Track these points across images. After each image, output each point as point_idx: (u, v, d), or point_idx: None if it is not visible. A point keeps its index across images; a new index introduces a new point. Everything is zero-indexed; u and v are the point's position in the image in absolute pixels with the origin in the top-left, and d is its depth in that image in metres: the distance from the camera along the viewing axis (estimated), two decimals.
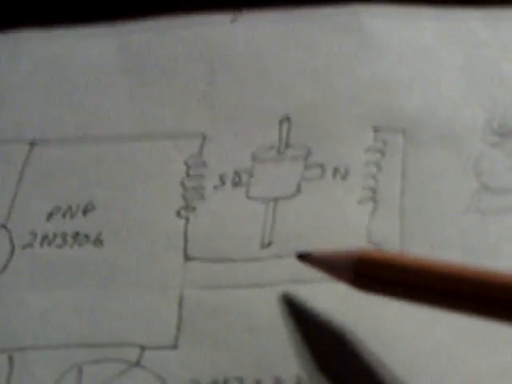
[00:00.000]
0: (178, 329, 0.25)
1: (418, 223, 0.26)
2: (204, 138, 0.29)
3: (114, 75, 0.32)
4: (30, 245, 0.28)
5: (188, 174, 0.28)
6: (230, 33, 0.32)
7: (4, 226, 0.28)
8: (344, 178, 0.27)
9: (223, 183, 0.28)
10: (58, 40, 0.33)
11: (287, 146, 0.29)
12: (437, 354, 0.23)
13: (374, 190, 0.27)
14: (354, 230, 0.26)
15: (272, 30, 0.32)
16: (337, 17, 0.31)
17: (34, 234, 0.28)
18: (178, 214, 0.28)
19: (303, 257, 0.24)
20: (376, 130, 0.28)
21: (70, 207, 0.28)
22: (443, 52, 0.30)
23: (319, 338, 0.24)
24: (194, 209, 0.28)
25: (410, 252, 0.25)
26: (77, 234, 0.28)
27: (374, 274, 0.22)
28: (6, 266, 0.27)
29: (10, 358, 0.25)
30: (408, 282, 0.21)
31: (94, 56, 0.33)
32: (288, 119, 0.29)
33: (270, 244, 0.26)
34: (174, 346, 0.25)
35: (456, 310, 0.20)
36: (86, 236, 0.28)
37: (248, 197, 0.28)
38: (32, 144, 0.31)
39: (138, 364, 0.24)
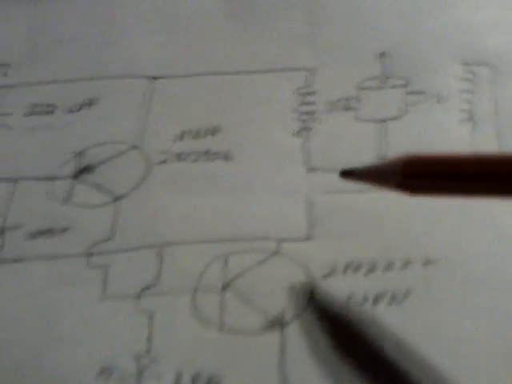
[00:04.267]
0: (309, 224, 0.29)
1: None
2: (310, 71, 0.33)
3: (222, 20, 0.36)
4: (165, 161, 0.31)
5: (300, 102, 0.32)
6: None
7: (137, 147, 0.32)
8: (442, 102, 0.31)
9: (333, 108, 0.32)
10: None
11: (387, 77, 0.33)
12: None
13: (470, 112, 0.31)
14: (458, 147, 0.30)
15: None
16: None
17: (167, 153, 0.32)
18: (296, 134, 0.31)
19: (347, 173, 0.26)
20: (465, 63, 0.32)
21: (198, 130, 0.32)
22: None
23: None
24: (309, 129, 0.31)
25: None
26: (207, 151, 0.31)
27: (423, 171, 0.23)
28: (144, 178, 0.31)
29: (158, 253, 0.29)
30: (458, 172, 0.22)
31: (206, 2, 0.37)
32: (385, 54, 0.33)
33: (384, 156, 0.30)
34: (308, 238, 0.28)
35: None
36: (216, 153, 0.31)
37: (357, 119, 0.31)
38: (154, 78, 0.34)
39: (277, 253, 0.28)
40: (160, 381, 0.25)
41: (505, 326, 0.25)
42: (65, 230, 0.30)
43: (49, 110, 0.34)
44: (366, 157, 0.30)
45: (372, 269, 0.27)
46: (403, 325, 0.26)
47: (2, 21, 0.38)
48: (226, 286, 0.27)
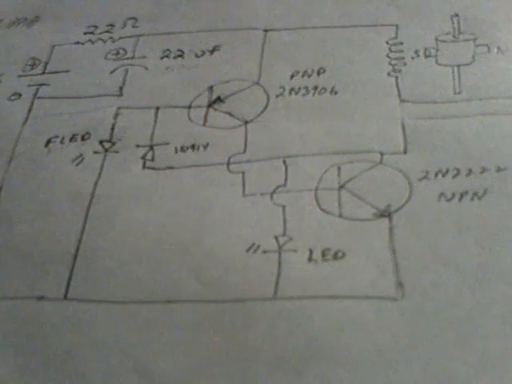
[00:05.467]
0: (405, 142, 0.36)
1: None
2: (397, 27, 0.41)
3: None
4: (282, 94, 0.39)
5: (390, 50, 0.40)
6: None
7: (258, 83, 0.40)
8: (504, 53, 0.39)
9: (418, 55, 0.39)
10: None
11: (459, 32, 0.40)
12: None
13: None
14: None
15: None
16: None
17: (282, 88, 0.39)
18: (389, 74, 0.39)
19: None
20: None
21: (306, 71, 0.40)
22: None
23: None
24: (399, 71, 0.39)
25: None
26: (315, 87, 0.39)
27: None
28: (266, 107, 0.38)
29: (284, 162, 0.36)
30: None
31: None
32: (457, 15, 0.41)
33: (460, 92, 0.38)
34: (404, 152, 0.36)
35: None
36: (323, 88, 0.39)
37: (437, 63, 0.39)
38: (265, 31, 0.42)
39: (381, 162, 0.36)
40: (297, 253, 0.33)
41: None
42: (206, 145, 0.37)
43: (178, 54, 0.41)
44: (445, 92, 0.38)
45: (456, 174, 0.35)
46: (482, 216, 0.33)
47: None
48: (341, 187, 0.35)
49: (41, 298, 0.33)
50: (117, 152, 0.37)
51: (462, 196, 0.34)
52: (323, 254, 0.33)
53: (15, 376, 0.31)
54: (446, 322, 0.30)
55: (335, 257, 0.33)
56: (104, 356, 0.31)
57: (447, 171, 0.35)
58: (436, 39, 0.40)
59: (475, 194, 0.34)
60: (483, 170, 0.34)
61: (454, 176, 0.35)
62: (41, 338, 0.32)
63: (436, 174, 0.35)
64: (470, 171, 0.35)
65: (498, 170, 0.34)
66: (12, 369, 0.31)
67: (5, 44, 0.44)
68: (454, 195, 0.34)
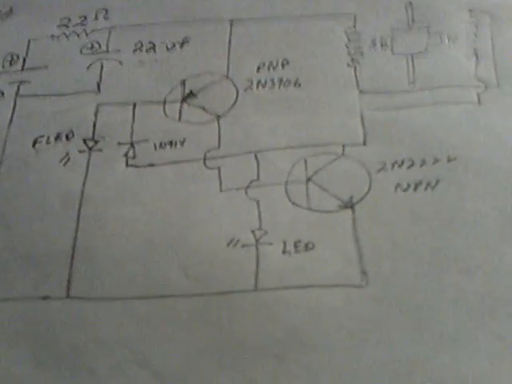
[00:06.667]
0: (364, 133, 0.40)
1: (507, 70, 0.41)
2: (355, 15, 0.44)
3: None
4: (250, 88, 0.42)
5: (349, 39, 0.43)
6: None
7: (227, 76, 0.42)
8: (454, 41, 0.42)
9: (374, 44, 0.42)
10: None
11: (413, 21, 0.43)
12: None
13: (475, 49, 0.42)
14: (466, 73, 0.41)
15: None
16: None
17: (250, 81, 0.42)
18: (348, 64, 0.42)
19: None
20: (470, 11, 0.43)
21: (271, 62, 0.43)
22: None
23: None
24: (358, 61, 0.42)
25: (505, 86, 0.40)
26: (281, 79, 0.42)
27: None
28: (235, 101, 0.42)
29: (256, 157, 0.40)
30: None
31: None
32: (411, 4, 0.44)
33: (414, 81, 0.41)
34: (364, 143, 0.40)
35: None
36: (288, 80, 0.42)
37: (393, 53, 0.42)
38: (232, 21, 0.44)
39: (343, 154, 0.39)
40: (272, 246, 0.37)
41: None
42: (183, 141, 0.40)
43: (150, 47, 0.44)
44: (400, 82, 0.41)
45: (411, 165, 0.39)
46: (435, 205, 0.37)
47: None
48: (308, 180, 0.39)
49: (45, 298, 0.37)
50: (100, 150, 0.41)
51: (416, 186, 0.38)
52: (295, 246, 0.37)
53: (31, 372, 0.35)
54: (406, 308, 0.35)
55: (306, 248, 0.37)
56: (108, 351, 0.35)
57: (403, 162, 0.39)
58: (391, 28, 0.43)
59: (428, 183, 0.38)
60: (435, 161, 0.38)
61: (409, 167, 0.39)
62: (50, 336, 0.36)
63: (393, 165, 0.39)
64: (423, 162, 0.39)
65: (449, 160, 0.38)
66: (28, 365, 0.35)
67: None
68: (409, 185, 0.38)
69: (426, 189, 0.38)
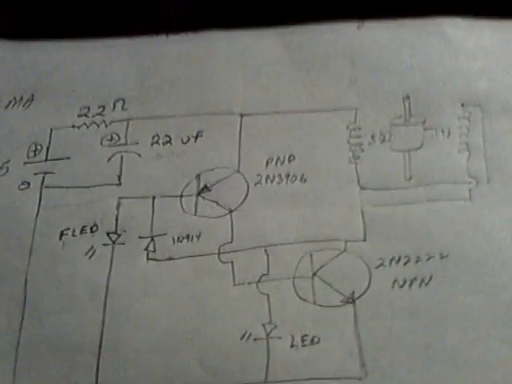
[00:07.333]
0: (364, 229, 0.43)
1: (497, 165, 0.44)
2: (356, 110, 0.47)
3: (284, 66, 0.49)
4: (259, 182, 0.45)
5: (350, 135, 0.46)
6: (357, 37, 0.49)
7: (238, 171, 0.46)
8: (448, 136, 0.46)
9: (374, 140, 0.46)
10: (240, 40, 0.50)
11: (410, 115, 0.46)
12: None
13: (467, 144, 0.45)
14: (458, 169, 0.44)
15: (386, 36, 0.49)
16: (426, 27, 0.49)
17: (259, 176, 0.46)
18: (349, 161, 0.46)
19: None
20: (463, 105, 0.46)
21: (278, 157, 0.46)
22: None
23: None
24: (358, 157, 0.46)
25: (494, 182, 0.44)
26: (287, 174, 0.46)
27: None
28: (246, 196, 0.45)
29: (265, 251, 0.43)
30: None
31: (265, 51, 0.49)
32: (408, 97, 0.47)
33: (410, 178, 0.45)
34: (364, 239, 0.43)
35: None
36: (294, 176, 0.45)
37: (391, 149, 0.46)
38: (241, 115, 0.48)
39: (345, 249, 0.43)
40: (281, 340, 0.41)
41: (499, 299, 0.41)
42: (199, 235, 0.44)
43: (166, 140, 0.47)
44: (397, 179, 0.45)
45: (407, 262, 0.42)
46: (428, 301, 0.41)
47: (116, 59, 0.50)
48: (314, 275, 0.43)
49: None
50: (122, 244, 0.44)
51: (411, 282, 0.42)
52: (302, 340, 0.41)
53: None
54: None
55: (312, 342, 0.41)
56: None
57: (399, 258, 0.42)
58: (390, 123, 0.46)
59: (423, 280, 0.42)
60: (429, 257, 0.42)
61: (405, 263, 0.42)
62: None
63: (390, 262, 0.42)
64: (418, 258, 0.42)
65: (442, 256, 0.42)
66: None
67: (5, 126, 0.49)
68: (405, 282, 0.42)
69: (420, 285, 0.42)
